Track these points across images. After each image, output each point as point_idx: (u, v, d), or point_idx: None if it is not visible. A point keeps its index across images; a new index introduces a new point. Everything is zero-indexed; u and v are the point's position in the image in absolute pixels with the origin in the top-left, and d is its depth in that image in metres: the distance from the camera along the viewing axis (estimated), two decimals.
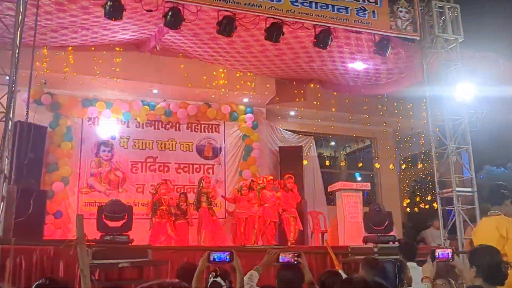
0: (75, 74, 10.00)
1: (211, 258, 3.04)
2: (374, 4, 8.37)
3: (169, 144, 11.63)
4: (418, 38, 8.78)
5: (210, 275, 3.25)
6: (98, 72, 10.14)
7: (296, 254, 3.57)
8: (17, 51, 6.12)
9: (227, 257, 3.06)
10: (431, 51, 8.99)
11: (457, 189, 8.34)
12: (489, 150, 11.44)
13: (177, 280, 1.10)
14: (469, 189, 8.43)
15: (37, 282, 2.91)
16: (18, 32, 6.23)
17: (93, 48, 10.05)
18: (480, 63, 9.43)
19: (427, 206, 15.87)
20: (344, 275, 4.29)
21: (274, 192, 10.30)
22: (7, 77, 6.12)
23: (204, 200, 9.80)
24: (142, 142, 11.43)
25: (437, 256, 3.45)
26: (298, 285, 3.44)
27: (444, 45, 8.86)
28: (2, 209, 5.84)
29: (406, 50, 9.33)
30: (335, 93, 12.37)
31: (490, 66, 9.50)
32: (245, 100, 11.92)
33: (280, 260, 3.49)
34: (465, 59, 8.84)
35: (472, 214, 8.31)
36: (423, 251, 6.06)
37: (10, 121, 6.00)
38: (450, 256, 3.48)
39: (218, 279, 3.22)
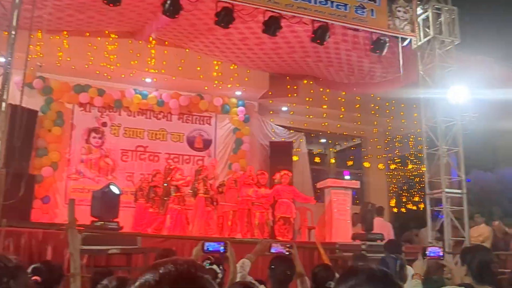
0: (68, 59, 9.88)
1: (205, 248, 3.05)
2: (373, 2, 8.40)
3: (160, 134, 11.59)
4: (415, 38, 8.83)
5: (205, 263, 3.26)
6: (91, 58, 10.04)
7: (288, 245, 3.60)
8: (13, 32, 6.04)
9: (222, 248, 3.07)
10: (427, 52, 9.03)
11: (447, 190, 8.41)
12: (477, 154, 11.53)
13: (191, 258, 1.10)
14: (459, 191, 8.52)
15: (33, 265, 2.89)
16: (15, 13, 6.14)
17: (88, 34, 9.95)
18: (475, 66, 9.46)
19: (413, 207, 15.99)
20: None
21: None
22: (2, 59, 6.04)
23: (201, 188, 9.69)
24: (133, 131, 11.37)
25: (428, 254, 3.50)
26: (289, 276, 3.47)
27: (440, 46, 8.89)
28: None
29: (402, 50, 9.36)
30: (328, 90, 12.36)
31: (484, 70, 9.53)
32: (238, 93, 11.87)
33: (272, 250, 3.51)
34: (460, 62, 8.88)
35: (460, 215, 8.41)
36: (410, 251, 6.13)
37: (3, 103, 5.92)
38: (441, 254, 3.53)
39: (214, 266, 3.24)
